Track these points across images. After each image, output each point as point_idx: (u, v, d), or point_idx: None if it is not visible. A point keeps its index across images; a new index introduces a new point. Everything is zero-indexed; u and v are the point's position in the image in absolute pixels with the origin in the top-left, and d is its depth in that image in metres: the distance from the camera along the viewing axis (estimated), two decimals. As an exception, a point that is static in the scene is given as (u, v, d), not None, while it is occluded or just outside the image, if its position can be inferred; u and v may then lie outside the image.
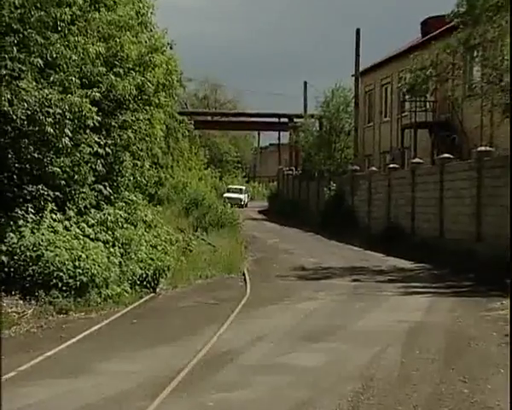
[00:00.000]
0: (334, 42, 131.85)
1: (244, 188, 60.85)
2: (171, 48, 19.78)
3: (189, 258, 19.66)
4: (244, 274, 19.14)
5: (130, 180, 18.44)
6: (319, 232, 33.24)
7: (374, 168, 34.97)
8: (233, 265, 20.14)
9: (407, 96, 33.86)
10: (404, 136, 35.42)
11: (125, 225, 16.36)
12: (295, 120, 54.70)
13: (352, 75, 41.20)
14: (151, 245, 17.03)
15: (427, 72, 25.21)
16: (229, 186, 57.07)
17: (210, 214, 30.24)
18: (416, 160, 29.20)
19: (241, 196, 55.70)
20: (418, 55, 27.12)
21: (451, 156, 25.75)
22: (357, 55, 40.06)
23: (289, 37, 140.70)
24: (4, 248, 13.38)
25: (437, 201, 25.21)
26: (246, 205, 55.58)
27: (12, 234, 13.63)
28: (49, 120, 13.98)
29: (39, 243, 13.48)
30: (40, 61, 14.10)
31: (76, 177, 15.46)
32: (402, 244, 25.68)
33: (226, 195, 47.14)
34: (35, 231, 13.85)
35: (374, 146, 41.65)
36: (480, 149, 23.17)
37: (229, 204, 33.76)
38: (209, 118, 65.08)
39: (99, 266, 13.70)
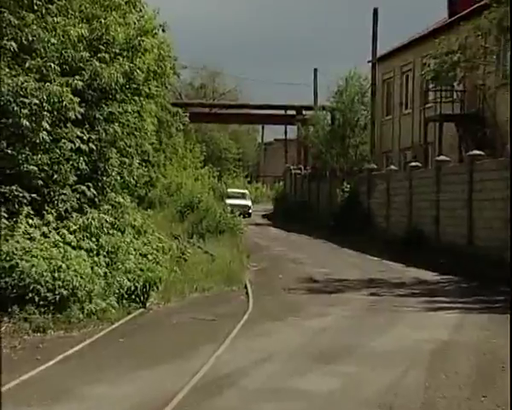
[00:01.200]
0: (347, 25, 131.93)
1: (247, 192, 59.02)
2: (163, 30, 19.75)
3: (184, 268, 19.63)
4: (246, 287, 19.12)
5: (116, 180, 18.42)
6: (331, 239, 33.17)
7: (393, 167, 34.97)
8: (234, 276, 20.14)
9: (431, 85, 33.82)
10: (428, 130, 35.38)
11: (111, 231, 16.32)
12: (304, 112, 54.73)
13: (369, 61, 41.21)
14: (140, 254, 17.00)
15: (454, 57, 25.22)
16: (230, 190, 54.78)
17: (207, 219, 30.22)
18: (442, 157, 29.17)
19: (248, 203, 53.54)
20: (444, 38, 27.13)
21: (482, 153, 25.72)
22: (375, 38, 40.08)
23: (294, 20, 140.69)
24: (-27, 257, 13.34)
25: (465, 203, 25.17)
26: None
27: (-18, 241, 13.59)
28: (25, 111, 13.95)
29: (13, 252, 13.43)
30: (14, 45, 14.08)
31: (55, 176, 15.44)
32: (425, 253, 25.63)
33: (229, 202, 46.70)
34: (8, 238, 13.81)
35: (393, 142, 41.63)
36: (514, 144, 23.13)
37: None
38: (207, 110, 65.11)
39: (81, 277, 13.66)
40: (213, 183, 52.14)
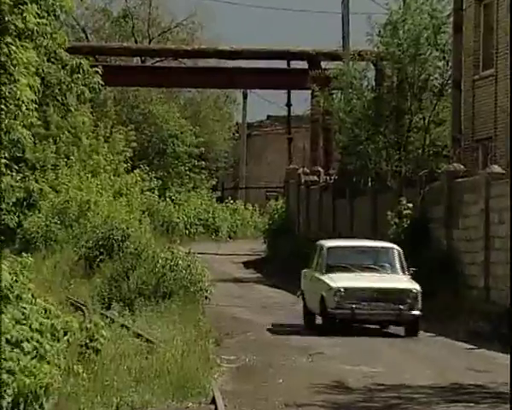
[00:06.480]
0: None
1: (397, 249, 36.17)
2: None
3: (95, 368, 19.60)
4: (215, 401, 19.07)
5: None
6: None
7: (496, 168, 34.92)
8: (190, 381, 20.11)
9: None
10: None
11: (-51, 298, 16.29)
12: (323, 64, 54.82)
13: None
14: (8, 341, 16.92)
15: None
16: (339, 245, 37.00)
17: (140, 270, 30.22)
18: None
19: (410, 285, 33.94)
20: None
21: None
22: None
23: None
24: None
25: None
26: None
27: None
28: None
29: None
30: None
31: None
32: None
33: (343, 284, 32.64)
34: None
35: (496, 120, 41.62)
36: None
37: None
38: (137, 61, 65.33)
39: None
40: (152, 200, 52.28)
